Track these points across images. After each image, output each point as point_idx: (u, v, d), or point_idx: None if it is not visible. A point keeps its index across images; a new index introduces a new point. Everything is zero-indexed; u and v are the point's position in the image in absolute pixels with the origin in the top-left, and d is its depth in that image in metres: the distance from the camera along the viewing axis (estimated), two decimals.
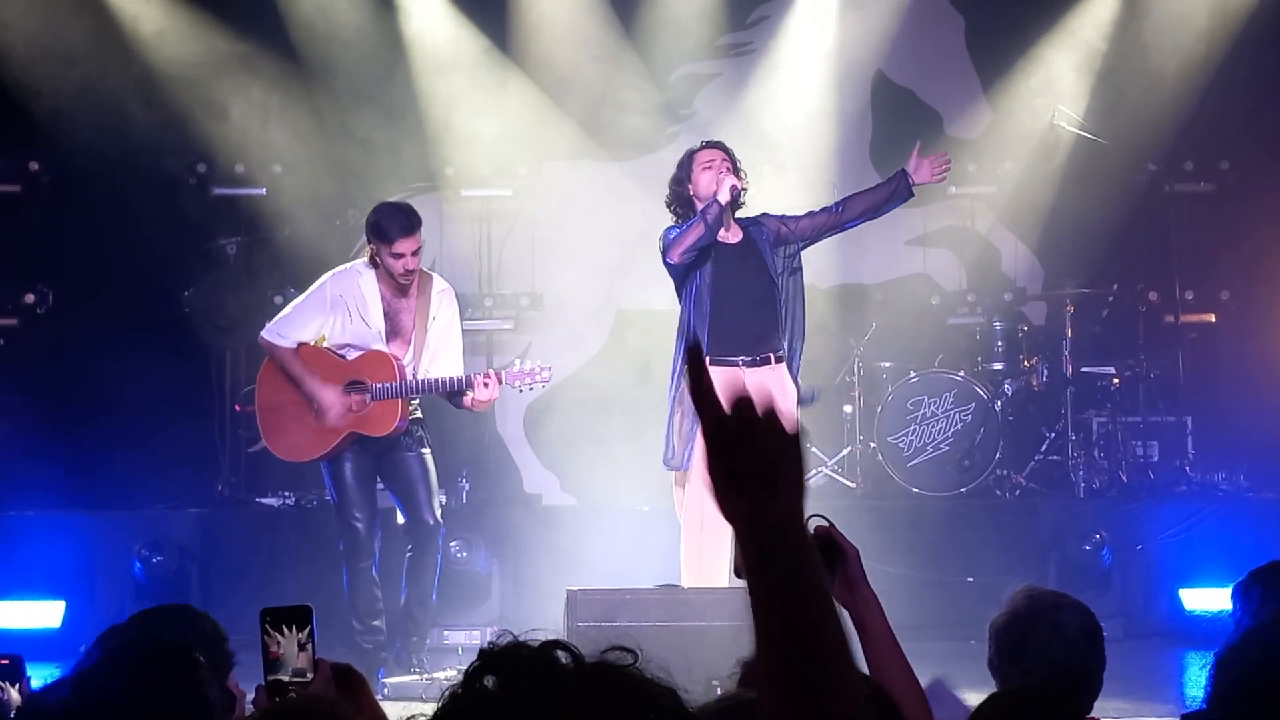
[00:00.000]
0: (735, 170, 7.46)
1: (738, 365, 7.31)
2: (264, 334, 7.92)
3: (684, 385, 7.25)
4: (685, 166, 7.52)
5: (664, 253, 7.35)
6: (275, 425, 7.89)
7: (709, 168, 7.40)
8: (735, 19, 11.26)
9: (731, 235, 7.44)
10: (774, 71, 11.12)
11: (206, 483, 10.25)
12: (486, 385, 7.55)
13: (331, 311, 7.75)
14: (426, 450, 7.89)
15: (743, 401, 1.75)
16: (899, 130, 11.28)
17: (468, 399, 7.68)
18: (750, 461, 1.73)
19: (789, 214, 7.65)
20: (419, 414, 7.89)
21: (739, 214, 7.55)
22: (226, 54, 10.58)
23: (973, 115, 11.32)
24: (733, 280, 7.34)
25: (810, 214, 7.62)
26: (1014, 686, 3.31)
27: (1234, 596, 4.08)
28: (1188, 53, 10.65)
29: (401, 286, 7.73)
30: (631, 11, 10.98)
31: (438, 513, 7.86)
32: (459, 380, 7.64)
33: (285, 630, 2.77)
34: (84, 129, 10.20)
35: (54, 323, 10.45)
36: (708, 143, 7.62)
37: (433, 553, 7.87)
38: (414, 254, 7.64)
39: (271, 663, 2.77)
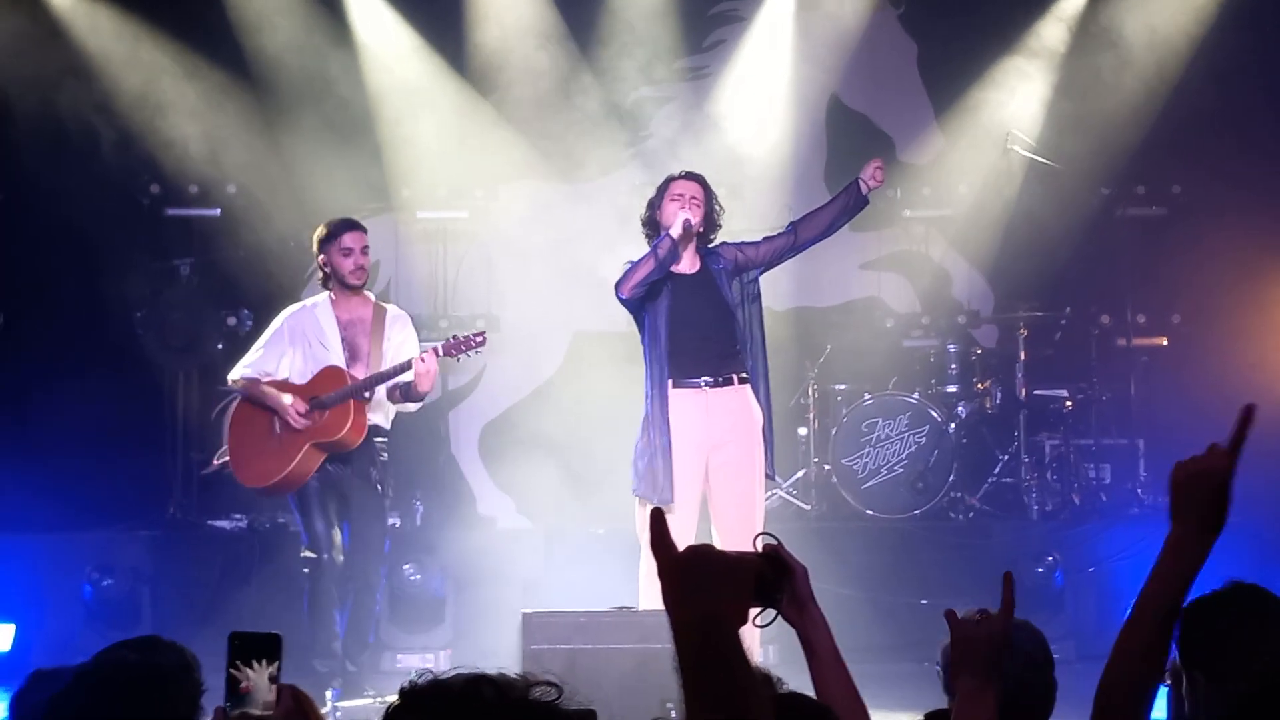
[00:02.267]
0: (710, 204, 7.47)
1: (700, 387, 7.30)
2: (232, 375, 8.04)
3: (653, 426, 7.27)
4: (659, 192, 7.54)
5: (616, 288, 7.35)
6: (244, 459, 7.92)
7: (676, 199, 7.40)
8: (692, 42, 11.31)
9: (688, 266, 7.44)
10: (730, 95, 11.17)
11: (158, 505, 10.18)
12: (424, 360, 7.57)
13: (291, 345, 7.88)
14: (388, 499, 8.13)
15: (698, 553, 2.01)
16: (853, 154, 11.31)
17: (419, 386, 7.70)
18: (705, 596, 1.97)
19: (746, 240, 7.65)
20: (385, 455, 7.95)
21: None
22: (180, 75, 10.55)
23: (925, 140, 11.39)
24: (689, 310, 7.34)
25: (767, 239, 7.61)
26: None
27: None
28: (1139, 77, 10.75)
29: (353, 287, 7.86)
30: (588, 34, 11.00)
31: (380, 572, 8.01)
32: (400, 366, 7.69)
33: (255, 664, 2.75)
34: (37, 150, 10.15)
35: (5, 344, 10.38)
36: (686, 173, 7.59)
37: (371, 606, 8.00)
38: (362, 250, 7.84)
39: (240, 696, 2.76)
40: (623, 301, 7.40)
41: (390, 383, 7.80)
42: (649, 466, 7.25)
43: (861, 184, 7.46)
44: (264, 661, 2.75)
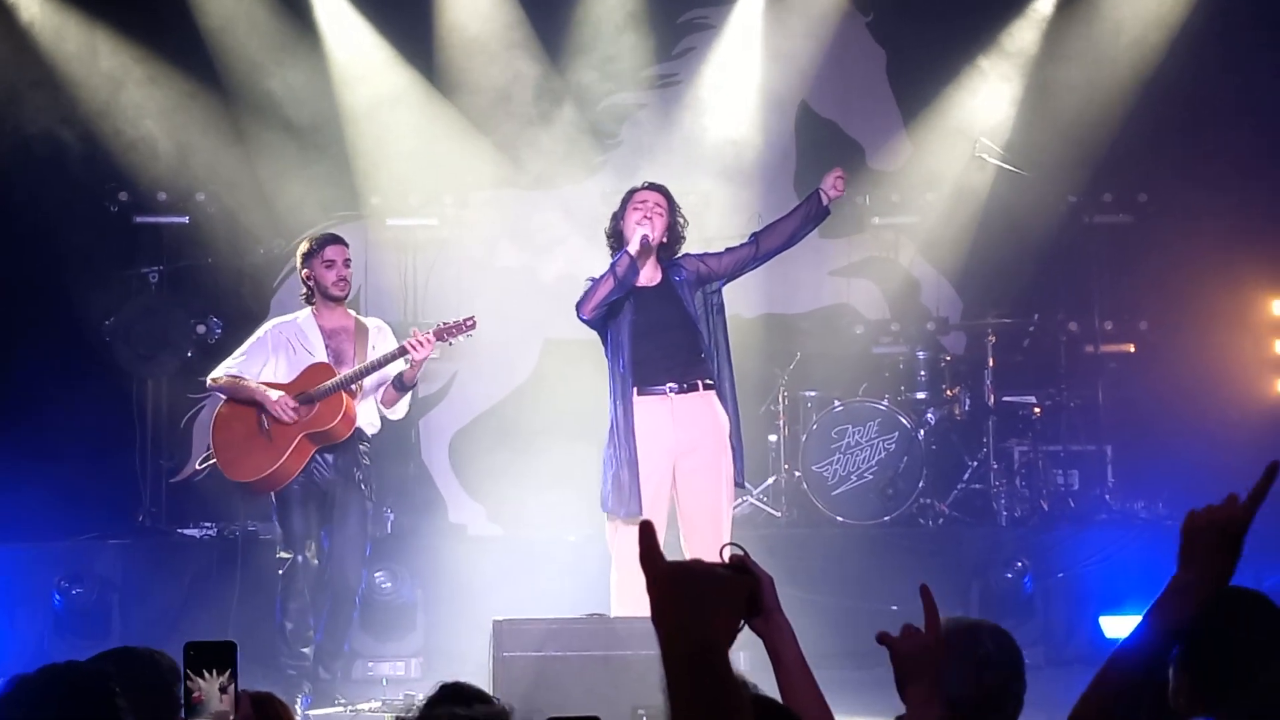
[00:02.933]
0: (673, 215, 7.46)
1: (665, 393, 7.30)
2: (213, 375, 8.05)
3: (618, 436, 7.28)
4: (622, 204, 7.51)
5: (577, 308, 7.33)
6: (232, 456, 7.91)
7: (638, 209, 7.39)
8: (662, 50, 11.32)
9: (650, 278, 7.43)
10: (700, 102, 11.19)
11: (127, 513, 10.14)
12: (422, 345, 7.63)
13: (273, 353, 7.93)
14: (370, 504, 8.09)
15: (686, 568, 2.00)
16: (822, 161, 11.32)
17: (408, 372, 7.78)
18: (697, 614, 1.95)
19: (709, 251, 7.64)
20: (367, 460, 7.94)
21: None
22: (148, 82, 10.51)
23: (894, 147, 11.43)
24: (652, 322, 7.34)
25: (730, 249, 7.58)
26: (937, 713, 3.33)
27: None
28: (1106, 86, 10.80)
29: (336, 299, 7.97)
30: (559, 42, 11.00)
31: (361, 576, 8.04)
32: (393, 352, 7.76)
33: (207, 674, 2.76)
34: (4, 158, 10.11)
35: None
36: (648, 184, 7.57)
37: (349, 611, 8.04)
38: (345, 263, 7.97)
39: (193, 706, 2.77)
40: (585, 321, 7.39)
41: (383, 375, 7.82)
42: (615, 479, 7.24)
43: (822, 194, 7.44)
44: (214, 671, 2.76)
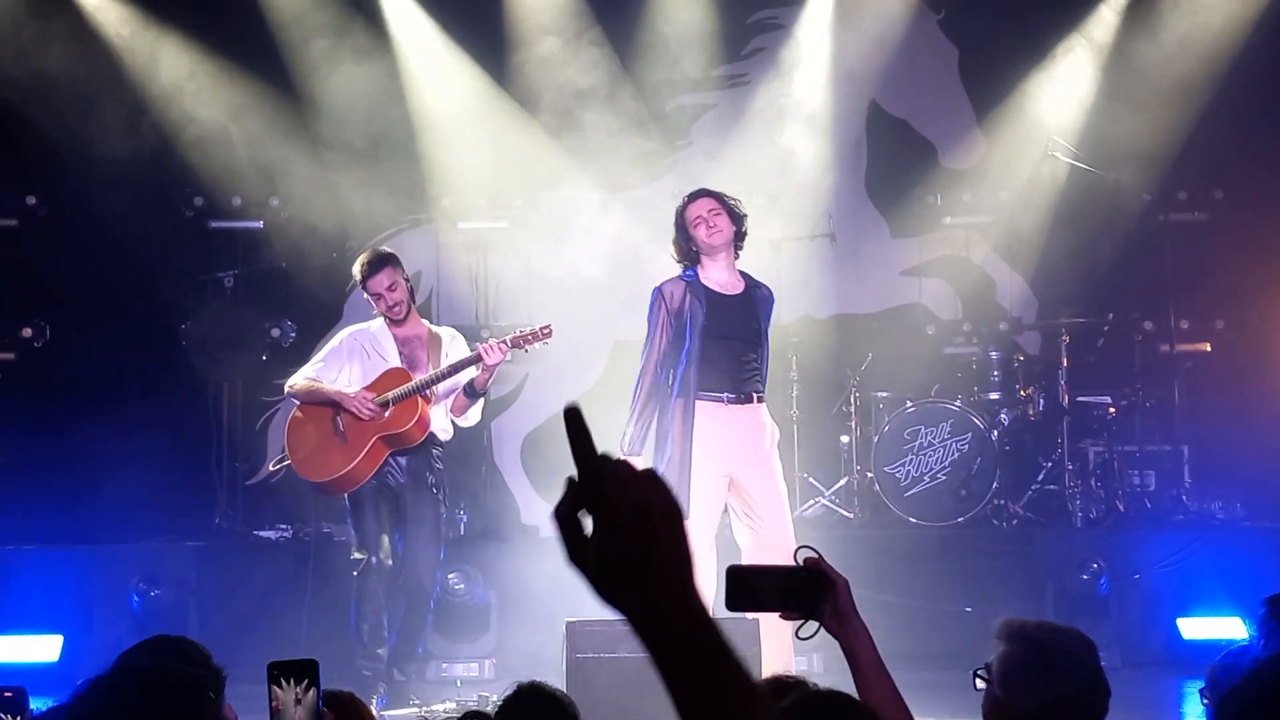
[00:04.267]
0: (728, 208, 7.55)
1: (722, 401, 7.42)
2: (290, 382, 8.12)
3: (672, 435, 7.38)
4: (679, 226, 7.60)
5: None
6: (307, 457, 7.98)
7: (699, 224, 7.51)
8: (731, 50, 11.31)
9: (730, 285, 7.56)
10: (769, 102, 11.17)
11: (204, 515, 10.25)
12: (496, 351, 7.68)
13: (349, 360, 8.00)
14: (444, 508, 8.14)
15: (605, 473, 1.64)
16: (894, 160, 11.35)
17: (479, 378, 7.82)
18: (621, 555, 1.58)
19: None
20: (440, 465, 8.00)
21: (741, 266, 7.68)
22: (223, 87, 10.62)
23: (967, 145, 11.36)
24: (722, 328, 7.45)
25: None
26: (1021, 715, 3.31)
27: (1257, 622, 4.08)
28: (1181, 82, 10.69)
29: (397, 320, 8.00)
30: (627, 43, 11.01)
31: (436, 579, 8.10)
32: (466, 359, 7.80)
33: (285, 683, 2.80)
34: (80, 163, 10.23)
35: (51, 356, 10.46)
36: (692, 195, 7.66)
37: (424, 614, 8.08)
38: (389, 289, 7.95)
39: (273, 714, 2.81)
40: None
41: (456, 382, 7.87)
42: (666, 474, 7.30)
43: None
44: (291, 681, 2.80)
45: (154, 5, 10.57)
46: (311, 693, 2.81)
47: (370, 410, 7.75)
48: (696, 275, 7.52)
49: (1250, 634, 4.19)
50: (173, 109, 10.52)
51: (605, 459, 1.66)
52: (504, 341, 7.74)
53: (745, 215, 7.65)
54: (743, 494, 7.35)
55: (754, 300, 7.58)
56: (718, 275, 7.53)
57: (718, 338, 7.40)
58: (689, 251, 7.57)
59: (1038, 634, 3.52)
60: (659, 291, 7.54)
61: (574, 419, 1.71)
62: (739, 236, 7.58)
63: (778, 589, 2.86)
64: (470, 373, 7.84)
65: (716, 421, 7.37)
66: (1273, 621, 3.95)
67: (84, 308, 10.57)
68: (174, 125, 10.52)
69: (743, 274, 7.65)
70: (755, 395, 7.49)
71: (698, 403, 7.36)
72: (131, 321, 10.57)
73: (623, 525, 1.58)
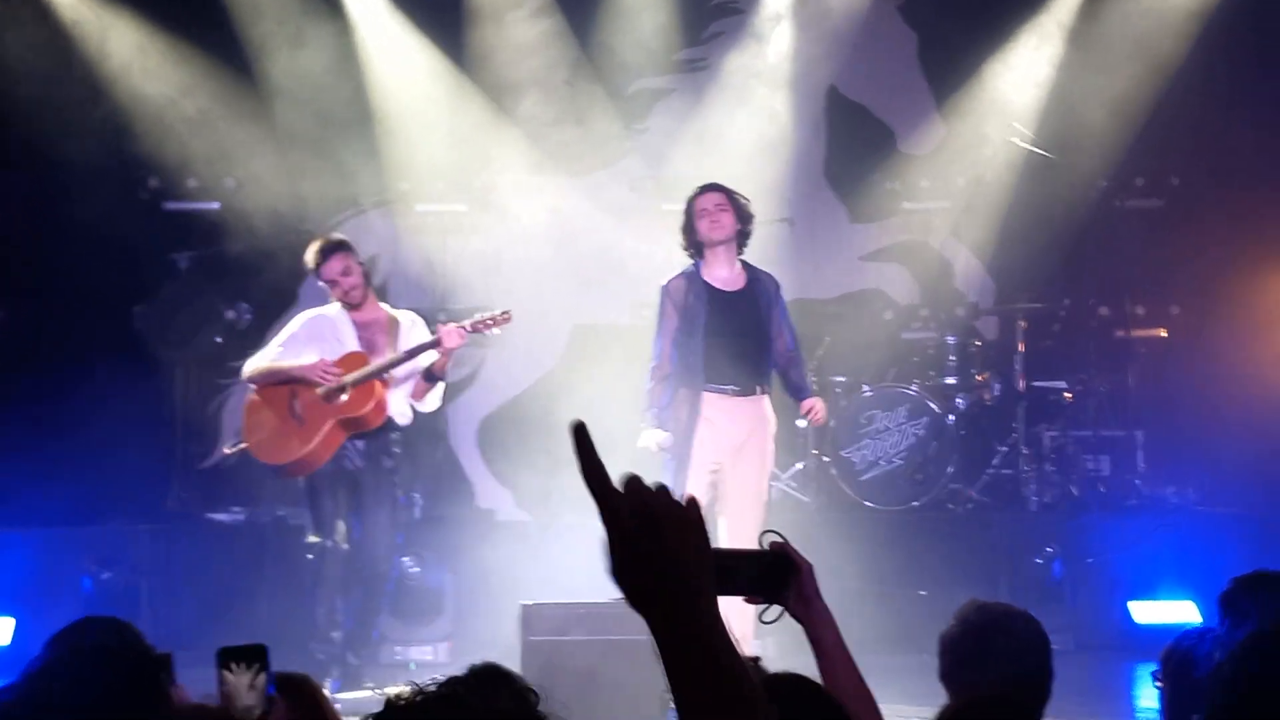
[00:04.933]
0: (735, 205, 7.71)
1: (728, 394, 7.58)
2: (246, 365, 8.08)
3: (678, 431, 7.46)
4: (686, 215, 7.77)
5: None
6: (264, 440, 7.94)
7: (703, 216, 7.68)
8: (690, 34, 11.29)
9: (732, 281, 7.69)
10: (729, 87, 11.16)
11: (157, 499, 10.19)
12: (451, 336, 7.68)
13: (307, 345, 7.95)
14: (401, 492, 8.21)
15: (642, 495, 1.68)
16: (852, 145, 11.36)
17: (438, 363, 7.82)
18: (659, 567, 1.65)
19: (785, 310, 7.96)
20: (398, 449, 7.99)
21: (746, 256, 7.81)
22: (179, 68, 10.54)
23: (926, 131, 11.38)
24: (727, 324, 7.61)
25: (787, 330, 7.92)
26: (967, 698, 3.33)
27: (1218, 605, 4.10)
28: (1138, 69, 10.73)
29: (354, 305, 7.98)
30: (587, 27, 10.98)
31: (392, 563, 8.14)
32: (427, 342, 7.81)
33: (235, 667, 2.79)
34: (34, 144, 10.13)
35: (4, 338, 10.36)
36: (703, 188, 7.82)
37: (379, 598, 8.10)
38: (343, 274, 7.95)
39: (223, 699, 2.80)
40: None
41: (414, 366, 7.84)
42: (664, 469, 7.50)
43: (804, 411, 8.01)
44: (242, 665, 2.79)
45: None
46: (262, 677, 2.80)
47: (333, 375, 7.71)
48: (699, 271, 7.67)
49: (1203, 618, 4.22)
50: (128, 90, 10.44)
51: (628, 481, 1.70)
52: (463, 326, 7.73)
53: (753, 215, 7.81)
54: (723, 484, 7.48)
55: (756, 294, 7.73)
56: (720, 271, 7.68)
57: (721, 335, 7.56)
58: (693, 241, 7.73)
59: (978, 617, 3.55)
60: (665, 289, 7.69)
61: (580, 436, 1.72)
62: (742, 235, 7.73)
63: (743, 572, 2.86)
64: (429, 357, 7.82)
65: (721, 412, 7.56)
66: (1244, 603, 3.96)
67: (38, 289, 10.47)
68: (129, 106, 10.44)
69: (745, 265, 7.79)
70: (759, 388, 7.66)
71: (704, 393, 7.54)
72: (85, 303, 10.47)
73: (631, 538, 1.64)
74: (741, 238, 7.73)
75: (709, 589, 1.66)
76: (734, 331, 7.60)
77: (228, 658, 2.80)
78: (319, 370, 7.74)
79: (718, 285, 7.66)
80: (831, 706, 2.66)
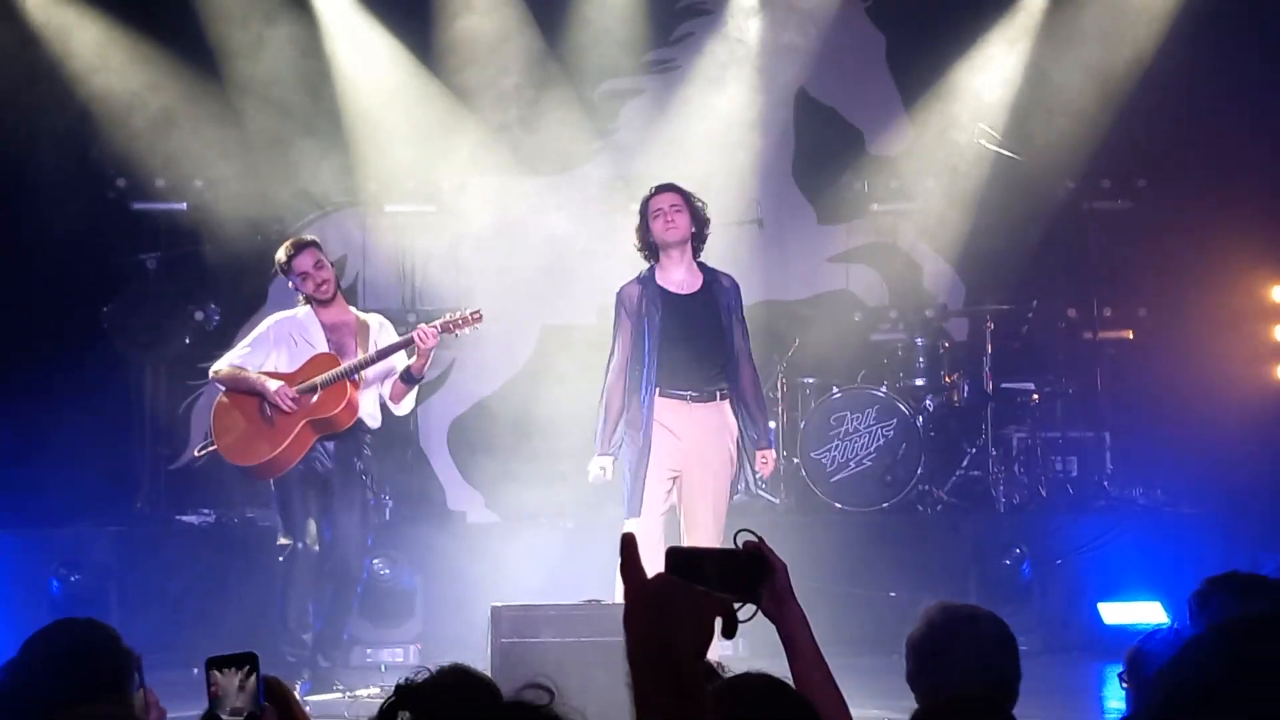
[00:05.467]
0: (691, 205, 7.58)
1: (686, 399, 7.45)
2: (215, 367, 8.04)
3: (636, 438, 7.40)
4: (641, 215, 7.65)
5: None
6: (233, 441, 7.90)
7: (658, 216, 7.53)
8: (659, 35, 11.30)
9: (686, 285, 7.57)
10: (697, 88, 11.17)
11: (125, 500, 10.15)
12: (428, 337, 7.66)
13: (275, 346, 7.93)
14: (372, 495, 8.14)
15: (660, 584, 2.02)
16: (821, 147, 11.39)
17: (415, 364, 7.80)
18: (667, 629, 1.97)
19: (744, 318, 7.73)
20: (369, 452, 7.97)
21: (715, 257, 7.75)
22: (149, 69, 10.50)
23: (894, 132, 11.41)
24: (683, 328, 7.48)
25: (744, 338, 7.67)
26: (935, 701, 3.34)
27: (1189, 605, 4.11)
28: (1105, 70, 10.78)
29: (324, 301, 7.95)
30: (556, 27, 10.98)
31: (363, 565, 8.07)
32: (398, 343, 7.80)
33: (225, 669, 2.79)
34: (3, 142, 10.08)
35: None
36: (659, 188, 7.69)
37: (350, 599, 8.05)
38: (315, 266, 7.94)
39: (212, 700, 2.79)
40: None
41: (386, 368, 7.84)
42: (631, 481, 7.40)
43: (757, 466, 7.59)
44: (233, 669, 2.78)
45: None
46: (253, 679, 2.79)
47: (290, 405, 7.71)
48: (653, 275, 7.57)
49: (1170, 618, 4.24)
50: (95, 90, 10.39)
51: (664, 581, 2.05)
52: (435, 326, 7.73)
53: (709, 219, 7.68)
54: (683, 490, 7.42)
55: (714, 295, 7.60)
56: (675, 274, 7.57)
57: (677, 340, 7.44)
58: (647, 242, 7.60)
59: (942, 618, 3.56)
60: (618, 296, 7.60)
61: (628, 547, 2.07)
62: (698, 238, 7.60)
63: (716, 571, 2.86)
64: (401, 358, 7.82)
65: (678, 417, 7.43)
66: (1214, 604, 3.97)
67: (4, 290, 10.41)
68: (97, 106, 10.39)
69: (702, 267, 7.67)
70: (719, 393, 7.51)
71: (660, 399, 7.42)
72: (53, 304, 10.42)
73: (641, 637, 1.98)
74: (697, 240, 7.60)
75: (696, 654, 1.97)
76: (689, 335, 7.46)
77: (217, 664, 2.80)
78: (278, 396, 7.72)
79: (671, 289, 7.53)
80: (801, 706, 2.67)
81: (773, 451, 7.85)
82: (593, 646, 6.40)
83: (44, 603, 8.91)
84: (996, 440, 10.35)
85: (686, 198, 7.60)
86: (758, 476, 7.67)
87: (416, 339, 7.67)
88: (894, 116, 11.43)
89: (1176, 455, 10.34)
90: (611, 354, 7.58)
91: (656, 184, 7.76)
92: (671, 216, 7.50)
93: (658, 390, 7.41)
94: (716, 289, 7.62)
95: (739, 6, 11.16)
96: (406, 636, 9.02)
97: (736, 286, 7.75)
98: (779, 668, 2.86)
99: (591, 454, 7.57)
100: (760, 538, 2.91)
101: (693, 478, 7.42)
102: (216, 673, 2.78)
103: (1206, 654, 2.76)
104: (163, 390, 10.51)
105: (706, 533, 7.26)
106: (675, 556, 2.80)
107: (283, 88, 10.64)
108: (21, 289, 10.40)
